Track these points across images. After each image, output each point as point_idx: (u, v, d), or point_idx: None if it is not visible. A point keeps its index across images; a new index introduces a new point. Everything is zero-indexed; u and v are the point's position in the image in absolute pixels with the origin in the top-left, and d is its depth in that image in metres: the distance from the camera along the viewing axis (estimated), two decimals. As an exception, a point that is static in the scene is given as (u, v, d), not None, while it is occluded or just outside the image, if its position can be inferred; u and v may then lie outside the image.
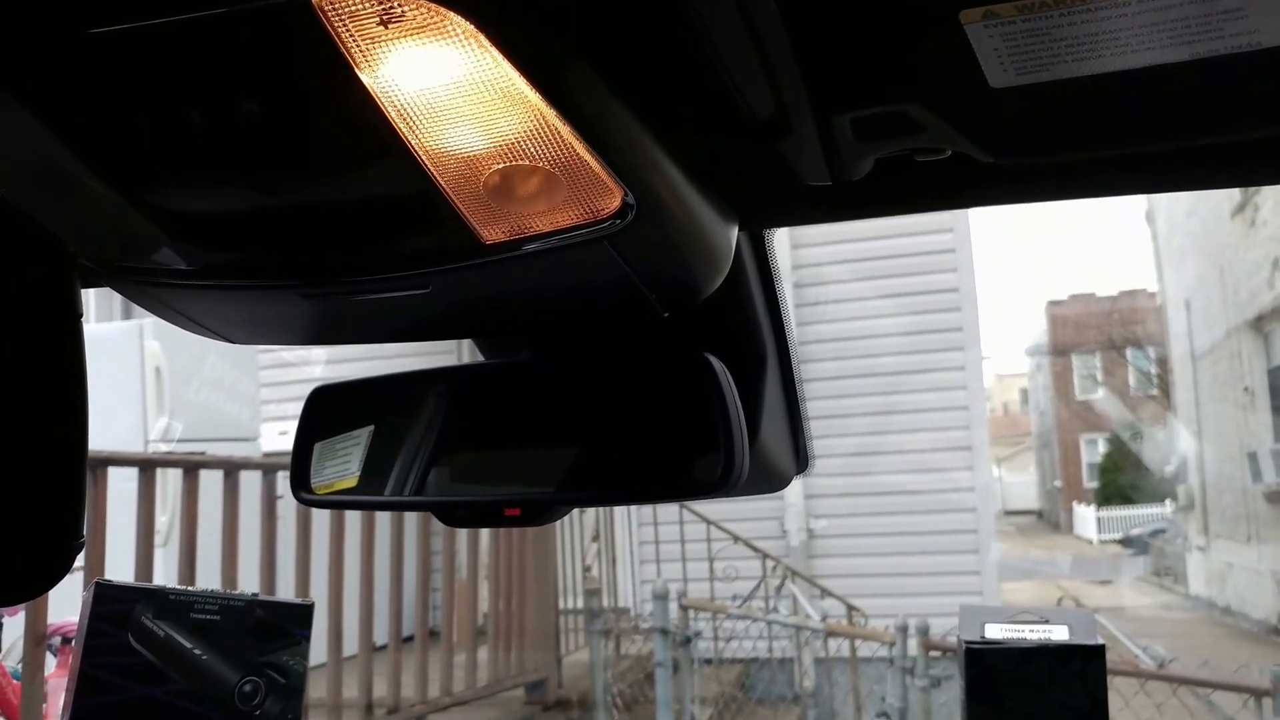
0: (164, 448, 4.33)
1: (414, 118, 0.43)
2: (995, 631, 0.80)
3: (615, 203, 0.47)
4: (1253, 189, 11.99)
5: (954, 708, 2.73)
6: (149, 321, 4.72)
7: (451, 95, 0.43)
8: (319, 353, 5.91)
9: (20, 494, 0.45)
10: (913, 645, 3.92)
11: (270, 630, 0.89)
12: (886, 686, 4.01)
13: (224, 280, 0.51)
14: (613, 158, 0.45)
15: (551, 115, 0.42)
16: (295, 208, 0.48)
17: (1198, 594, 15.30)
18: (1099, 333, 26.06)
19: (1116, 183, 0.58)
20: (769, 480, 0.68)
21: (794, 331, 0.67)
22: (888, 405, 6.58)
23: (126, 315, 6.20)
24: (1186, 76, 0.47)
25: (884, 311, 6.67)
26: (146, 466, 3.24)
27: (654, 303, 0.53)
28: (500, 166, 0.46)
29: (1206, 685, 3.46)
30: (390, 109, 0.42)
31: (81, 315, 0.50)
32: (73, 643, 0.87)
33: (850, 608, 5.78)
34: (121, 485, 3.14)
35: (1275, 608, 11.85)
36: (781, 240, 6.60)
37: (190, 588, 0.86)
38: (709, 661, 5.22)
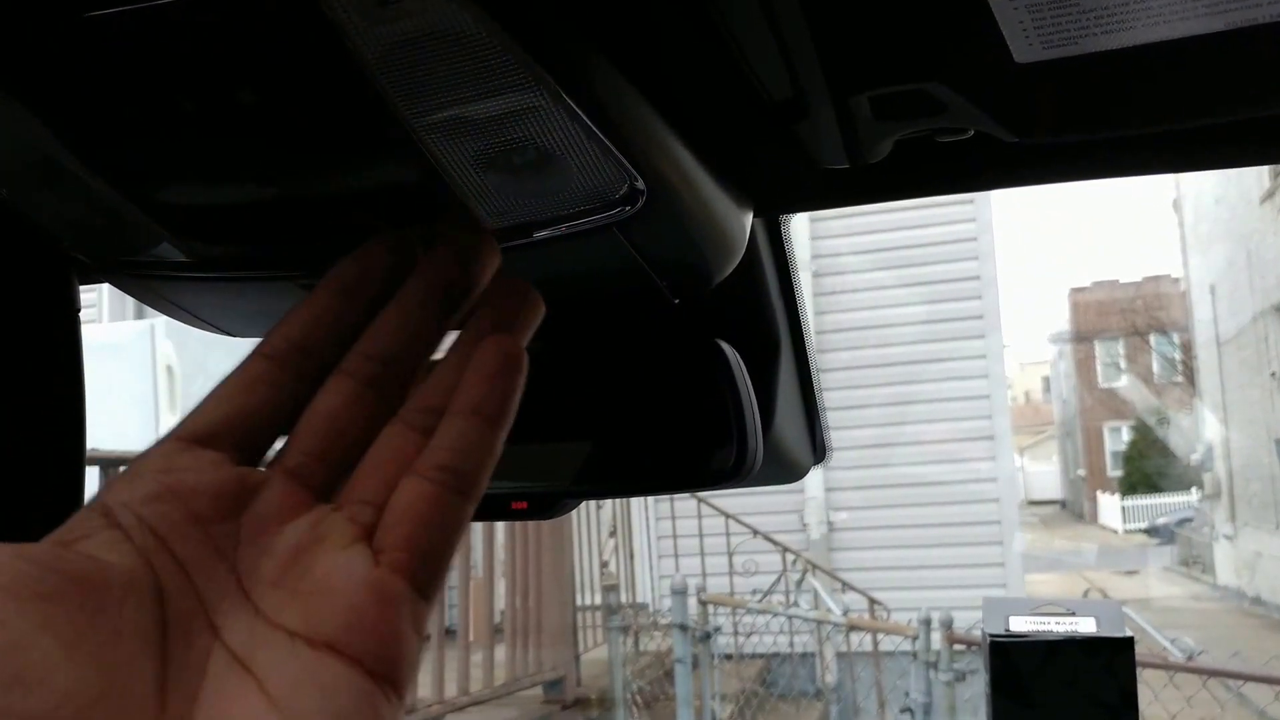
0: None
1: (415, 101, 0.42)
2: (1020, 624, 0.78)
3: (624, 189, 0.46)
4: (1280, 173, 11.84)
5: (979, 702, 2.71)
6: (161, 321, 4.74)
7: (455, 76, 0.41)
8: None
9: (19, 494, 0.44)
10: (936, 639, 3.89)
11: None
12: (910, 681, 3.99)
13: (223, 273, 0.50)
14: (623, 142, 0.43)
15: (561, 98, 0.41)
16: (294, 198, 0.47)
17: (1226, 584, 15.16)
18: (1122, 319, 25.82)
19: (1146, 162, 0.55)
20: (785, 470, 0.66)
21: (810, 320, 0.66)
22: (909, 395, 6.55)
23: (139, 315, 6.22)
24: (1221, 48, 0.44)
25: (905, 300, 6.63)
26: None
27: (665, 289, 0.51)
28: (506, 151, 0.45)
29: (1237, 677, 3.42)
30: (391, 92, 0.41)
31: (79, 311, 0.49)
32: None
33: (872, 601, 5.75)
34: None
35: (1305, 597, 11.73)
36: (801, 230, 6.60)
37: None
38: (729, 657, 5.21)
